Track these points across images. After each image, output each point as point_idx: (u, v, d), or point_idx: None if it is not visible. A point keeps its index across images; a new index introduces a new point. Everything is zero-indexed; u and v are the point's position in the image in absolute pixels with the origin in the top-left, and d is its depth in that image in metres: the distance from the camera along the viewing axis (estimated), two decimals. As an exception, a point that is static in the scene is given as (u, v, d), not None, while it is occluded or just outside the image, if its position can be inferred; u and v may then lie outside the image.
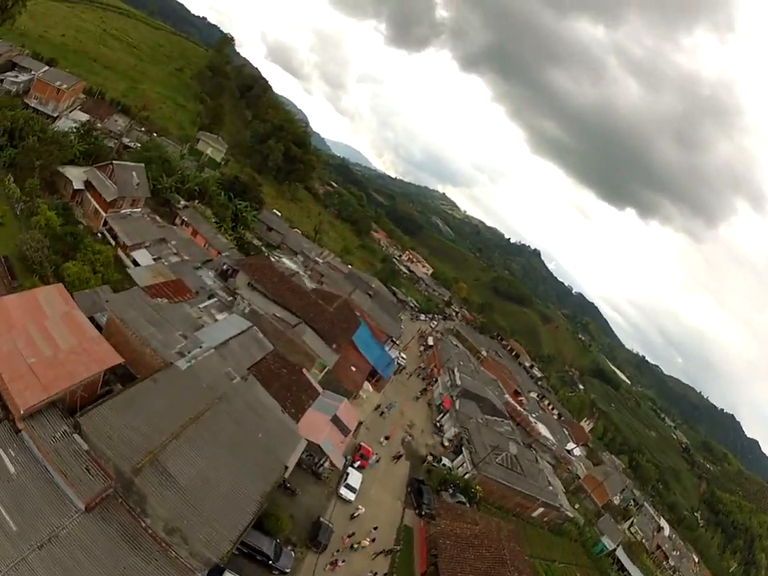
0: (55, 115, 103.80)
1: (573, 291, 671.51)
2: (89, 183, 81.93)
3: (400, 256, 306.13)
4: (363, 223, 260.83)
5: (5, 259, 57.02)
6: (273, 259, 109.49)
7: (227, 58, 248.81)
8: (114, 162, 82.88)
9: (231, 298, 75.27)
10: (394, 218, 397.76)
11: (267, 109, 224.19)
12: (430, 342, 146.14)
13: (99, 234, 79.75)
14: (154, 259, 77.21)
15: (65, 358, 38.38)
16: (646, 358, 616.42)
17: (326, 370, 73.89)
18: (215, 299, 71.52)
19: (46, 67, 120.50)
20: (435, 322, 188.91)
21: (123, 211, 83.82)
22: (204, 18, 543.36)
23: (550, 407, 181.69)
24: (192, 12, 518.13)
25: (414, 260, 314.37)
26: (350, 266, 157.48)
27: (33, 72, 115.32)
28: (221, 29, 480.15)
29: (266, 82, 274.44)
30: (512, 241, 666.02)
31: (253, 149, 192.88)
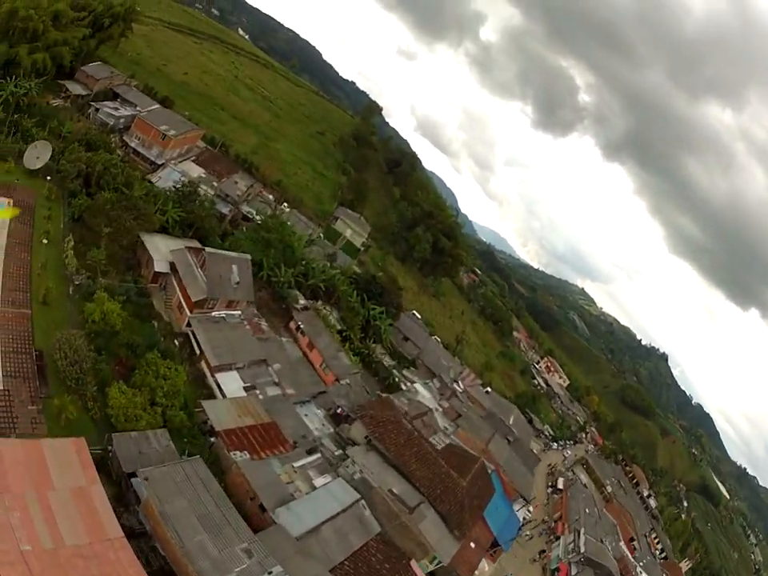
0: (160, 162, 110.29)
1: (693, 401, 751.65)
2: (175, 267, 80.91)
3: (538, 362, 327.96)
4: (505, 324, 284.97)
5: (38, 355, 56.41)
6: (403, 387, 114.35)
7: (374, 128, 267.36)
8: (206, 249, 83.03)
9: (340, 452, 76.56)
10: (534, 312, 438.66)
11: (416, 190, 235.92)
12: (560, 484, 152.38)
13: (177, 342, 77.50)
14: (246, 388, 76.05)
15: (66, 562, 36.12)
16: (747, 470, 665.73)
17: (439, 564, 74.26)
18: (317, 455, 71.76)
19: (156, 106, 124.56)
20: (568, 451, 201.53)
21: (215, 313, 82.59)
22: (353, 83, 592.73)
23: (656, 540, 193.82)
24: (340, 74, 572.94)
25: (552, 369, 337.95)
26: (488, 389, 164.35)
27: (137, 108, 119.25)
28: (369, 96, 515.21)
29: (416, 158, 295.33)
30: (642, 342, 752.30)
31: (398, 235, 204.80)
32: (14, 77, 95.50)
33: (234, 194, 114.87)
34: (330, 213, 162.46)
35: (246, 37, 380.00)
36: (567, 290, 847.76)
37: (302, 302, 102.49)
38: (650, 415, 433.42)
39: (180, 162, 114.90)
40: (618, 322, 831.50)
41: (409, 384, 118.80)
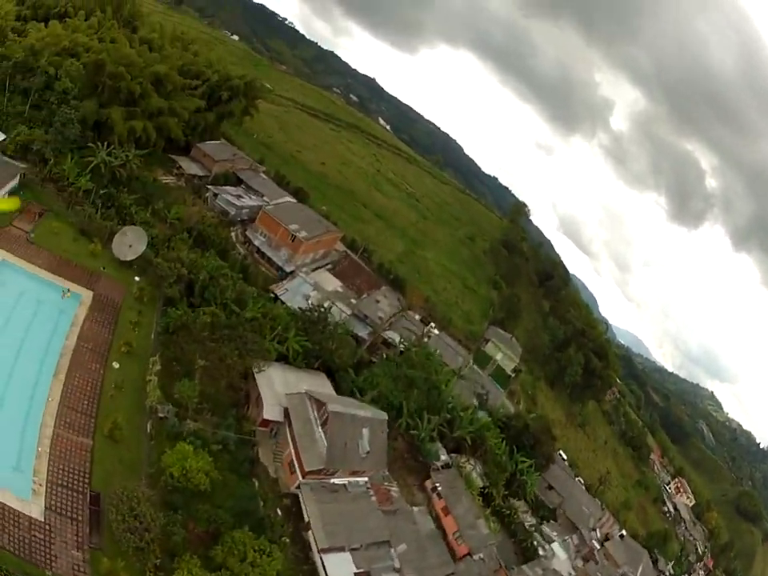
0: (288, 269, 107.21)
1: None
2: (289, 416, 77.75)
3: (669, 483, 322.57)
4: (644, 448, 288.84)
5: (94, 497, 54.05)
6: (541, 552, 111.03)
7: (523, 233, 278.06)
8: (329, 407, 77.25)
9: None
10: (666, 423, 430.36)
11: (568, 306, 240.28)
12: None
13: (281, 507, 73.12)
14: (358, 574, 71.07)
15: None
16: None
17: None
18: None
19: (287, 198, 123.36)
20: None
21: (334, 481, 78.11)
22: (495, 178, 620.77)
23: None
24: (482, 169, 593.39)
25: (681, 490, 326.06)
26: (623, 533, 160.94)
27: (265, 198, 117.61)
28: (512, 192, 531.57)
29: (566, 270, 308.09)
30: (761, 446, 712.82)
31: (549, 356, 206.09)
32: (107, 143, 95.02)
33: (374, 315, 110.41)
34: (479, 334, 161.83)
35: (387, 127, 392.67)
36: (698, 395, 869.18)
37: (444, 457, 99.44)
38: (757, 520, 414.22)
39: (314, 269, 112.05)
40: (741, 427, 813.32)
41: (547, 546, 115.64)
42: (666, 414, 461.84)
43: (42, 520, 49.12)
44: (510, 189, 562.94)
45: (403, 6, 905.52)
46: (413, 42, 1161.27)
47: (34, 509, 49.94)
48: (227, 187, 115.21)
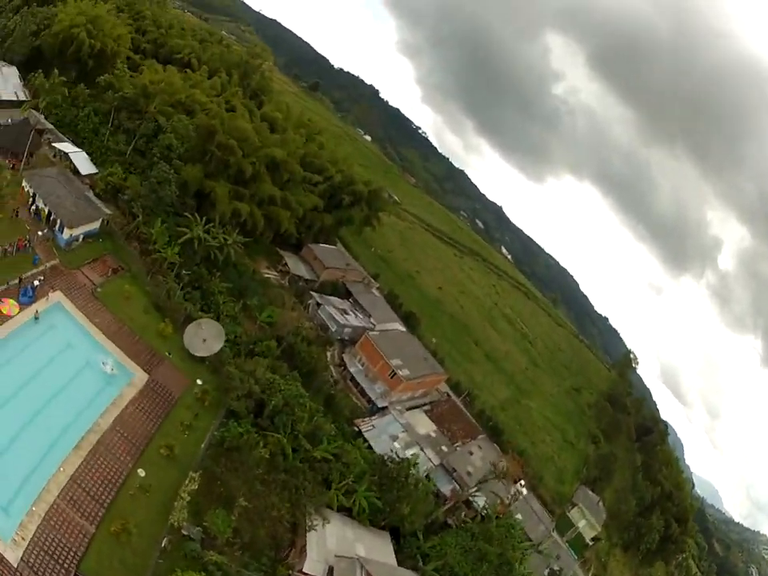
0: (380, 405, 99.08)
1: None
2: (332, 577, 69.60)
3: None
4: None
5: None
6: None
7: (629, 388, 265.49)
8: None
9: None
10: (721, 571, 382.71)
11: (661, 465, 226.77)
12: None
13: None
14: None
15: None
16: None
17: None
18: None
19: (396, 325, 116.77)
20: None
21: None
22: (606, 319, 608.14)
23: None
24: (595, 308, 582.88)
25: None
26: None
27: (371, 320, 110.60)
28: (620, 335, 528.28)
29: (666, 426, 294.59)
30: None
31: (632, 522, 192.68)
32: (206, 218, 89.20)
33: (463, 470, 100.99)
34: (568, 496, 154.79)
35: (509, 257, 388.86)
36: (756, 542, 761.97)
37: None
38: None
39: (409, 408, 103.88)
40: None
41: None
42: (723, 563, 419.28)
43: (15, 567, 46.78)
44: (619, 332, 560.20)
45: (532, 128, 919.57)
46: (540, 169, 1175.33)
47: (10, 554, 47.70)
48: (333, 298, 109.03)
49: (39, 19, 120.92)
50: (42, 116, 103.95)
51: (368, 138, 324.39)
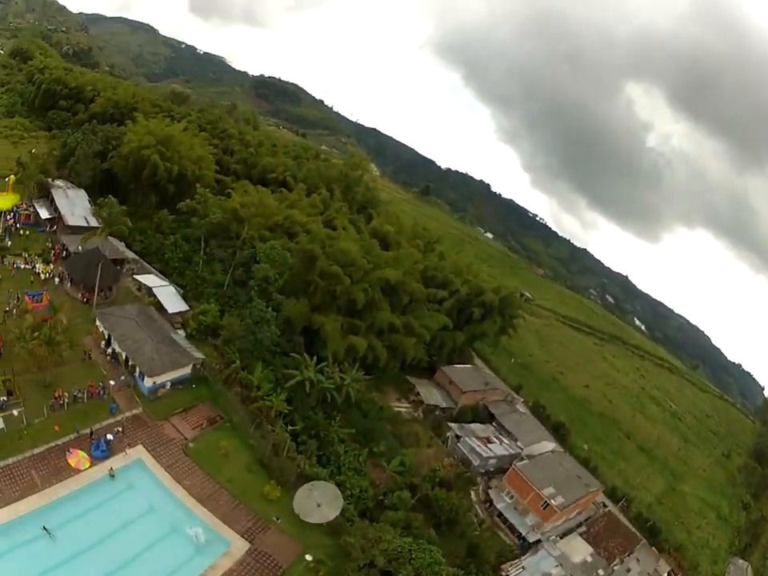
0: (531, 539, 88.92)
1: None
2: None
3: None
4: None
5: None
6: None
7: None
8: None
9: None
10: None
11: None
12: None
13: None
14: None
15: None
16: None
17: None
18: None
19: (545, 446, 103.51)
20: None
21: None
22: (739, 365, 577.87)
23: None
24: (728, 358, 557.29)
25: None
26: None
27: (518, 444, 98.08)
28: (754, 377, 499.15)
29: None
30: None
31: None
32: (317, 356, 79.39)
33: None
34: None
35: (642, 327, 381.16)
36: None
37: None
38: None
39: (562, 534, 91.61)
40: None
41: None
42: None
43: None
44: (753, 375, 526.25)
45: (638, 190, 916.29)
46: (654, 228, 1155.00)
47: None
48: (474, 426, 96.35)
49: (104, 138, 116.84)
50: (123, 243, 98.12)
51: (489, 235, 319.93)
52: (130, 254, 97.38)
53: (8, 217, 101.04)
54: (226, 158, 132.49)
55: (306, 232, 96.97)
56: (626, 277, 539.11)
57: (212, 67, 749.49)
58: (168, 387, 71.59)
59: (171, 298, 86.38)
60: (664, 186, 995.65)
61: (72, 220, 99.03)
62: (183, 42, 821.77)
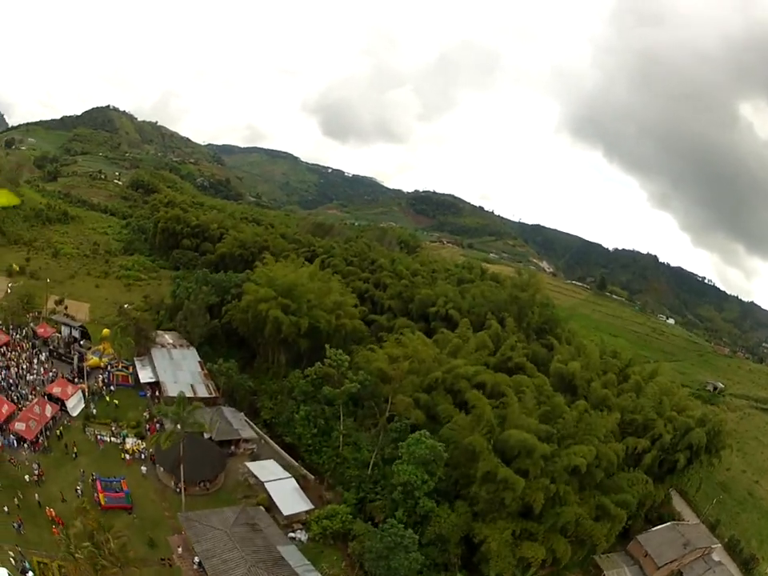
0: None
1: None
2: None
3: None
4: None
5: None
6: None
7: None
8: None
9: None
10: None
11: None
12: None
13: None
14: None
15: None
16: None
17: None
18: None
19: None
20: None
21: None
22: None
23: None
24: None
25: None
26: None
27: None
28: None
29: None
30: None
31: None
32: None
33: None
34: None
35: None
36: None
37: None
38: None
39: None
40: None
41: None
42: None
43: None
44: None
45: None
46: None
47: None
48: None
49: (219, 289, 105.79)
50: (242, 414, 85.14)
51: (671, 321, 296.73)
52: (248, 433, 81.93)
53: (99, 377, 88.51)
54: (379, 293, 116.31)
55: (475, 386, 76.42)
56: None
57: (364, 188, 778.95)
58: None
59: (289, 497, 70.08)
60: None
61: (173, 389, 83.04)
62: (329, 167, 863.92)
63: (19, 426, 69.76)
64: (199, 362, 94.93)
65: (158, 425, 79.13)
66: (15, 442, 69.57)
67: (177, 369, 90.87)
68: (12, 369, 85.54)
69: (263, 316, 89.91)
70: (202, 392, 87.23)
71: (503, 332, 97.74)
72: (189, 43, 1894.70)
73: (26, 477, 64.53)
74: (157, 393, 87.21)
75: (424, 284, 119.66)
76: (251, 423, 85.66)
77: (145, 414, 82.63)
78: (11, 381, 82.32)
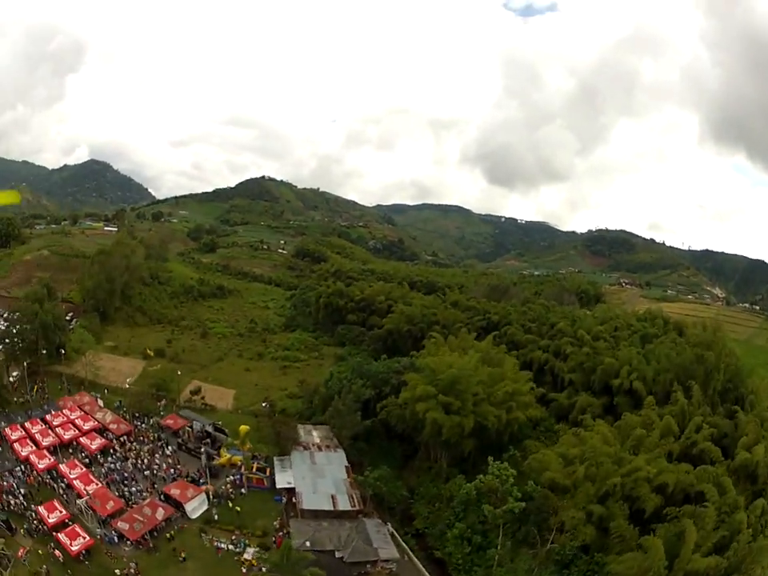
0: None
1: None
2: None
3: None
4: None
5: None
6: None
7: None
8: None
9: None
10: None
11: None
12: None
13: None
14: None
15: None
16: None
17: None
18: None
19: None
20: None
21: None
22: None
23: None
24: None
25: None
26: None
27: None
28: None
29: None
30: None
31: None
32: None
33: None
34: None
35: None
36: None
37: None
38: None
39: None
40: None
41: None
42: None
43: None
44: None
45: None
46: None
47: None
48: None
49: (377, 380, 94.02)
50: (389, 527, 74.07)
51: None
52: (389, 553, 69.54)
53: (230, 477, 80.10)
54: (559, 365, 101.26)
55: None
56: None
57: (539, 234, 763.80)
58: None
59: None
60: None
61: (310, 501, 74.31)
62: (501, 216, 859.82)
63: (122, 525, 65.48)
64: (346, 466, 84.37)
65: (287, 536, 69.53)
66: (117, 538, 65.22)
67: (318, 476, 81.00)
68: (130, 461, 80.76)
69: (421, 417, 79.28)
70: (344, 504, 76.94)
71: (689, 405, 78.22)
72: (339, 108, 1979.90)
73: (117, 571, 61.37)
74: (294, 501, 76.63)
75: (606, 348, 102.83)
76: (398, 536, 74.48)
77: (275, 523, 73.13)
78: (126, 474, 77.47)
